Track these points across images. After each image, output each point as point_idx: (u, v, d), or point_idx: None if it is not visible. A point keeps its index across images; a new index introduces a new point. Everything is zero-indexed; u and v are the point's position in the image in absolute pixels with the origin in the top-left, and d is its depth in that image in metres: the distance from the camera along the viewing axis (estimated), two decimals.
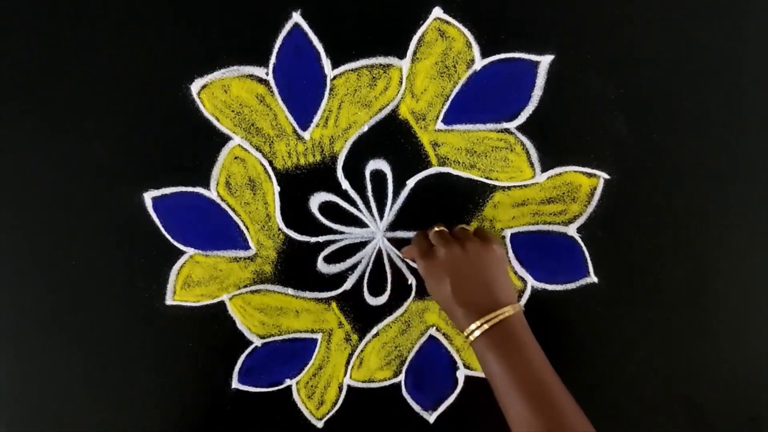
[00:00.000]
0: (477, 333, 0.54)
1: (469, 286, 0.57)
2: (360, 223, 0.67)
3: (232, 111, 0.64)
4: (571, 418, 0.51)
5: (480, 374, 0.70)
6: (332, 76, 0.64)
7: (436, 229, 0.62)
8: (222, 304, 0.67)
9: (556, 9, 0.64)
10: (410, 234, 0.67)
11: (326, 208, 0.67)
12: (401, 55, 0.64)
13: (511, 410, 0.52)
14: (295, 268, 0.67)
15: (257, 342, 0.67)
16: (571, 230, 0.67)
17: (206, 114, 0.64)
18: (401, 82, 0.65)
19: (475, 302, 0.56)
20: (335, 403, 0.69)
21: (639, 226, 0.67)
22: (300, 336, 0.68)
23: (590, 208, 0.67)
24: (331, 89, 0.65)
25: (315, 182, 0.66)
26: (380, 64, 0.64)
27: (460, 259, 0.58)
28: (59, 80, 0.63)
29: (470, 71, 0.65)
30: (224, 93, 0.64)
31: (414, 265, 0.67)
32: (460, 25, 0.64)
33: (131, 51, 0.63)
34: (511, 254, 0.68)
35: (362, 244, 0.67)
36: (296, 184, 0.66)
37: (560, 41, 0.64)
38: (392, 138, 0.66)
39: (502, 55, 0.64)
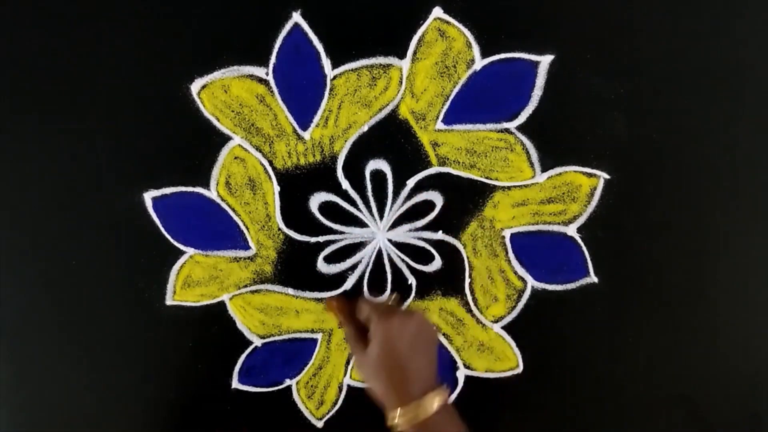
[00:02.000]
0: (411, 421, 0.51)
1: (422, 360, 0.54)
2: (360, 223, 0.67)
3: (232, 111, 0.64)
4: None
5: (480, 374, 0.70)
6: (332, 76, 0.64)
7: (393, 298, 0.62)
8: (222, 304, 0.67)
9: (556, 9, 0.64)
10: (410, 235, 0.67)
11: (326, 208, 0.67)
12: (401, 55, 0.64)
13: None
14: (295, 268, 0.67)
15: (257, 342, 0.67)
16: (571, 230, 0.67)
17: (206, 114, 0.64)
18: (401, 82, 0.65)
19: (420, 377, 0.53)
20: (335, 403, 0.69)
21: (639, 226, 0.67)
22: (300, 336, 0.68)
23: (590, 208, 0.67)
24: (331, 89, 0.65)
25: (315, 182, 0.66)
26: (380, 64, 0.64)
27: (424, 330, 0.55)
28: (59, 80, 0.63)
29: (470, 71, 0.65)
30: (224, 93, 0.64)
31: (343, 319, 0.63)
32: (460, 25, 0.64)
33: (131, 51, 0.63)
34: (511, 254, 0.68)
35: (362, 244, 0.67)
36: (296, 184, 0.66)
37: (560, 41, 0.64)
38: (392, 138, 0.66)
39: (502, 55, 0.64)
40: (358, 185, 0.66)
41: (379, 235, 0.67)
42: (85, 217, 0.65)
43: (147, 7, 0.62)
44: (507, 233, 0.68)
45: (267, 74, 0.64)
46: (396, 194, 0.67)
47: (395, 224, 0.67)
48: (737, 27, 0.65)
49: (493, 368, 0.70)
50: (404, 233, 0.67)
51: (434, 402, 0.52)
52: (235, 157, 0.65)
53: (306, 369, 0.68)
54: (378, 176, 0.66)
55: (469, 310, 0.68)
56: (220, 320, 0.67)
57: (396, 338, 0.54)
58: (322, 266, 0.67)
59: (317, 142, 0.66)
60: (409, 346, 0.53)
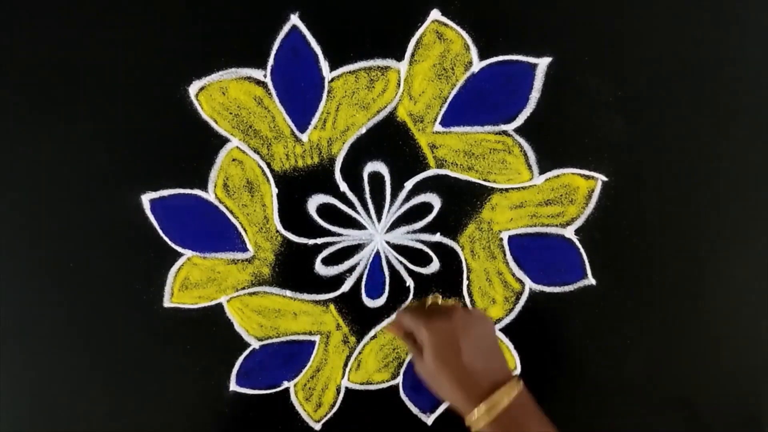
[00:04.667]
0: (486, 418, 0.50)
1: (479, 353, 0.52)
2: (358, 225, 0.67)
3: (230, 113, 0.64)
4: None
5: None
6: (330, 78, 0.64)
7: (432, 297, 0.59)
8: (220, 306, 0.67)
9: (553, 11, 0.64)
10: (408, 237, 0.67)
11: (324, 210, 0.67)
12: (399, 58, 0.64)
13: None
14: (293, 270, 0.67)
15: (255, 344, 0.67)
16: (569, 232, 0.67)
17: (204, 116, 0.64)
18: (399, 85, 0.65)
19: (486, 370, 0.52)
20: (333, 405, 0.69)
21: (636, 228, 0.67)
22: (298, 338, 0.68)
23: (588, 210, 0.67)
24: (329, 91, 0.65)
25: (313, 184, 0.66)
26: (378, 67, 0.64)
27: (472, 323, 0.53)
28: (57, 82, 0.63)
29: (468, 73, 0.65)
30: (222, 95, 0.64)
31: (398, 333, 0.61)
32: (458, 28, 0.64)
33: (129, 53, 0.63)
34: (509, 256, 0.68)
35: (360, 246, 0.67)
36: (294, 186, 0.66)
37: (558, 43, 0.64)
38: (390, 140, 0.66)
39: (500, 58, 0.64)
40: (356, 187, 0.66)
41: (377, 237, 0.67)
42: (82, 218, 0.65)
43: (145, 9, 0.62)
44: (505, 235, 0.68)
45: (265, 76, 0.64)
46: (394, 196, 0.67)
47: (393, 226, 0.67)
48: (735, 29, 0.65)
49: None
50: (402, 235, 0.67)
51: (504, 396, 0.50)
52: (233, 159, 0.65)
53: (304, 371, 0.68)
54: (376, 178, 0.66)
55: None
56: (217, 322, 0.67)
57: (444, 341, 0.52)
58: (320, 268, 0.67)
59: (315, 144, 0.66)
60: (458, 345, 0.51)
